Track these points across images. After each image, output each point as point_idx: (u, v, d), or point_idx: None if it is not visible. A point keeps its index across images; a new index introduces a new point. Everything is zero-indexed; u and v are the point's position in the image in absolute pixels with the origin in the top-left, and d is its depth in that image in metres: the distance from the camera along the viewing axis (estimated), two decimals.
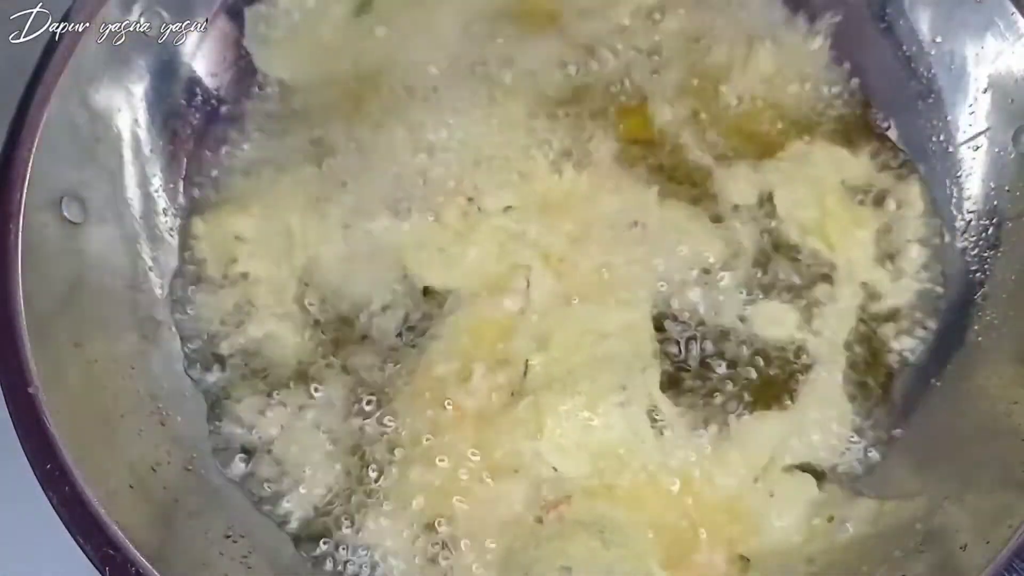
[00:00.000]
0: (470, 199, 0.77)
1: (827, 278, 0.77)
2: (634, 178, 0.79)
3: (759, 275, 0.77)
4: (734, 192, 0.78)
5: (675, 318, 0.75)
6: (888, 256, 0.78)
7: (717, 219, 0.78)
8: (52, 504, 0.60)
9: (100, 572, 0.59)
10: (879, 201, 0.79)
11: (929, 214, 0.79)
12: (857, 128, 0.82)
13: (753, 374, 0.74)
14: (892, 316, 0.77)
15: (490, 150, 0.79)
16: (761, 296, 0.76)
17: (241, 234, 0.77)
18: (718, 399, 0.73)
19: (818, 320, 0.75)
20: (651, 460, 0.71)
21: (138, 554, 0.59)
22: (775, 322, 0.75)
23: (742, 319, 0.76)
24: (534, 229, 0.76)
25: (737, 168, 0.79)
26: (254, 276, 0.77)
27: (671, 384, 0.73)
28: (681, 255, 0.76)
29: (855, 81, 0.83)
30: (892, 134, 0.81)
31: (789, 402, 0.74)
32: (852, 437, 0.73)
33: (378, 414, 0.73)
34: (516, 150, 0.79)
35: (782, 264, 0.77)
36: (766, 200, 0.78)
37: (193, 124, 0.80)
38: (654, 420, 0.72)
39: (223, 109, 0.82)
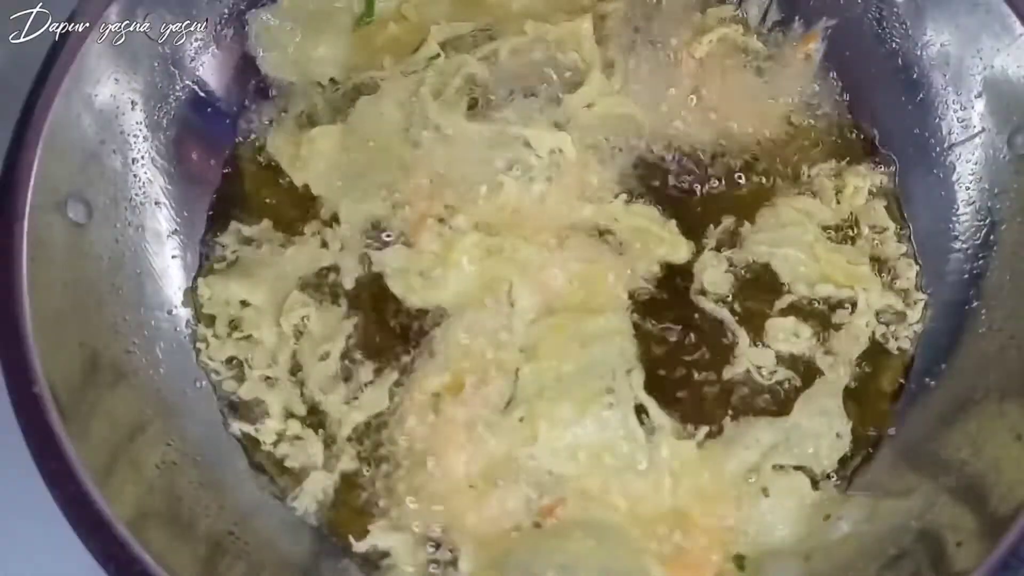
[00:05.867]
0: (441, 220, 0.77)
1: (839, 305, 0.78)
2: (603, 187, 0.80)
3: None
4: (710, 283, 0.77)
5: (658, 320, 0.76)
6: (889, 276, 0.79)
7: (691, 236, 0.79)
8: (57, 502, 0.60)
9: (105, 569, 0.59)
10: (857, 232, 0.80)
11: (901, 226, 0.80)
12: (848, 133, 0.83)
13: (748, 375, 0.75)
14: (889, 321, 0.78)
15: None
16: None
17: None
18: (709, 401, 0.74)
19: (832, 338, 0.77)
20: (644, 460, 0.71)
21: (142, 551, 0.60)
22: (787, 336, 0.76)
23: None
24: (508, 243, 0.77)
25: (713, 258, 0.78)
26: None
27: (661, 386, 0.74)
28: (654, 258, 0.78)
29: (850, 84, 0.83)
30: (887, 137, 0.82)
31: (786, 410, 0.74)
32: (847, 448, 0.74)
33: (376, 427, 0.74)
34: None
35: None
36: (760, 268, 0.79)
37: (195, 125, 0.80)
38: (644, 421, 0.72)
39: (225, 111, 0.82)
